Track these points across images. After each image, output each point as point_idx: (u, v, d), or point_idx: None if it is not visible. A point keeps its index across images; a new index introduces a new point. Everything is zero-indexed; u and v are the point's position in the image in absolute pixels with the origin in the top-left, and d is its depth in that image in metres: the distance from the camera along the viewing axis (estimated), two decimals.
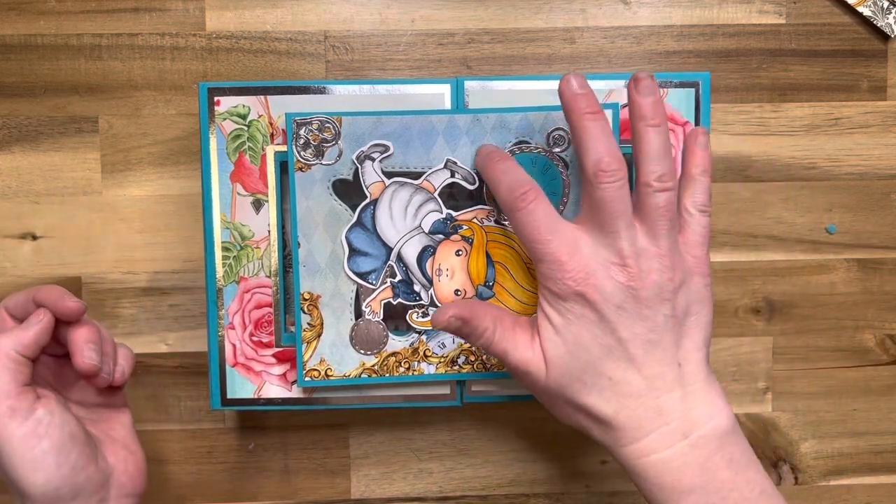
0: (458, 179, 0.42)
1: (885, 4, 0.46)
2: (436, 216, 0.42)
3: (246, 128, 0.42)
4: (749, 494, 0.35)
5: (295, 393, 0.43)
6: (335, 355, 0.42)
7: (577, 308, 0.35)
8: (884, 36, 0.47)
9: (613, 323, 0.35)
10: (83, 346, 0.38)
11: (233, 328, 0.43)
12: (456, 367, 0.42)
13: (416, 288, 0.42)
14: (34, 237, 0.46)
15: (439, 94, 0.42)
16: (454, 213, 0.42)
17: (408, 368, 0.42)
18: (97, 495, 0.38)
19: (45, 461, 0.36)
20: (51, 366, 0.41)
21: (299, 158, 0.41)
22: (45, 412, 0.37)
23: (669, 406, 0.35)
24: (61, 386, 0.41)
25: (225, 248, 0.42)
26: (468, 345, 0.42)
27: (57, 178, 0.46)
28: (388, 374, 0.42)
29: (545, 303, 0.37)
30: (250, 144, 0.42)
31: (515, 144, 0.41)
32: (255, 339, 0.43)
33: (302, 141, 0.41)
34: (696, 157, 0.38)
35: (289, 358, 0.43)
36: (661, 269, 0.35)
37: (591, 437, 0.37)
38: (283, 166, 0.42)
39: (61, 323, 0.39)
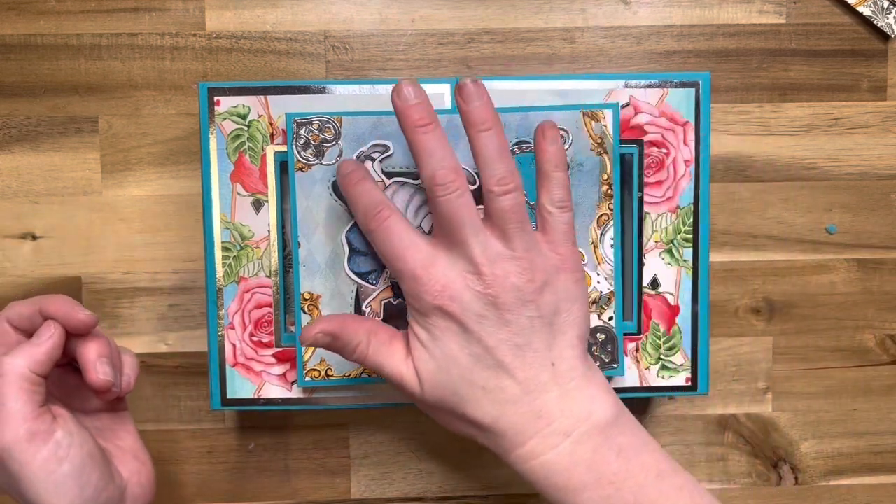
0: None
1: (885, 4, 0.46)
2: None
3: (246, 128, 0.42)
4: (644, 479, 0.34)
5: (295, 393, 0.43)
6: (335, 355, 0.42)
7: (440, 322, 0.35)
8: (884, 36, 0.47)
9: (477, 332, 0.35)
10: (96, 361, 0.37)
11: (233, 328, 0.43)
12: None
13: None
14: (34, 237, 0.46)
15: (439, 94, 0.42)
16: None
17: None
18: None
19: (66, 485, 0.35)
20: (53, 376, 0.39)
21: (299, 158, 0.41)
22: (65, 434, 0.36)
23: (548, 407, 0.35)
24: (64, 396, 0.40)
25: (225, 248, 0.42)
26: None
27: (57, 178, 0.46)
28: None
29: (412, 320, 0.37)
30: (250, 144, 0.42)
31: (515, 144, 0.41)
32: (255, 339, 0.43)
33: (302, 141, 0.41)
34: (546, 154, 0.37)
35: (289, 358, 0.43)
36: (518, 272, 0.35)
37: (479, 444, 0.37)
38: (283, 166, 0.42)
39: (70, 334, 0.37)
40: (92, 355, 0.37)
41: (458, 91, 0.36)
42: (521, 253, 0.35)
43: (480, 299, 0.35)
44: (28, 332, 0.38)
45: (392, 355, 0.37)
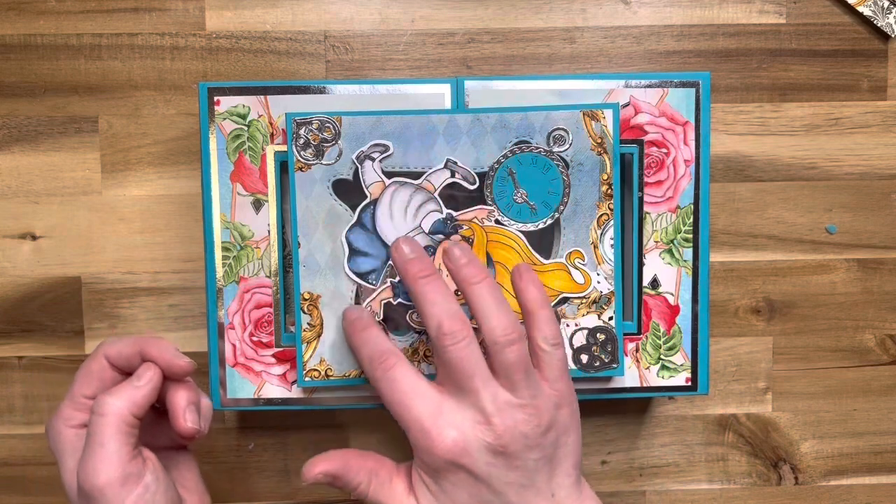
0: (458, 179, 0.42)
1: (885, 4, 0.46)
2: (436, 216, 0.42)
3: (246, 128, 0.42)
4: None
5: (295, 393, 0.43)
6: (335, 355, 0.42)
7: (451, 475, 0.36)
8: (884, 36, 0.47)
9: (486, 479, 0.36)
10: (186, 408, 0.37)
11: (233, 328, 0.43)
12: None
13: None
14: (34, 237, 0.46)
15: (439, 93, 0.42)
16: (454, 213, 0.42)
17: None
18: None
19: None
20: None
21: (299, 158, 0.41)
22: (153, 478, 0.36)
23: None
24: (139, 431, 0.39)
25: (225, 248, 0.42)
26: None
27: (57, 178, 0.46)
28: None
29: (420, 470, 0.37)
30: (250, 144, 0.42)
31: (515, 144, 0.41)
32: (255, 339, 0.43)
33: (302, 141, 0.41)
34: (528, 294, 0.38)
35: (289, 358, 0.43)
36: (526, 420, 0.36)
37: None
38: (283, 166, 0.42)
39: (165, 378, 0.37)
40: (182, 402, 0.37)
41: (444, 255, 0.38)
42: (527, 400, 0.36)
43: (490, 449, 0.36)
44: (123, 371, 0.38)
45: (393, 495, 0.38)
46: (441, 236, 0.42)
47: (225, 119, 0.42)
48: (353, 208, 0.42)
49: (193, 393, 0.38)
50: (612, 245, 0.42)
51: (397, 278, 0.42)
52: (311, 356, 0.42)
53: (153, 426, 0.40)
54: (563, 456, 0.37)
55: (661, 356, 0.44)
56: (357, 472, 0.38)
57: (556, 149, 0.41)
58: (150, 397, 0.36)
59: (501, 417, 0.36)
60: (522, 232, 0.42)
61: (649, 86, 0.43)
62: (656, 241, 0.43)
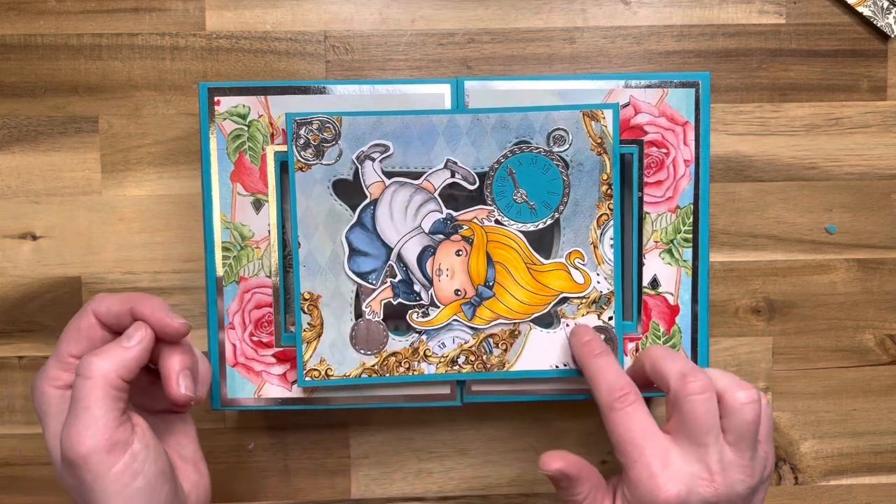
0: (458, 179, 0.42)
1: (885, 4, 0.46)
2: (436, 216, 0.42)
3: (246, 128, 0.42)
4: None
5: (295, 393, 0.43)
6: (335, 355, 0.42)
7: None
8: (884, 36, 0.47)
9: None
10: (179, 373, 0.35)
11: (233, 328, 0.43)
12: (456, 367, 0.42)
13: (417, 288, 0.42)
14: (34, 237, 0.46)
15: (439, 94, 0.42)
16: (454, 213, 0.42)
17: (408, 368, 0.42)
18: None
19: (137, 500, 0.33)
20: None
21: (299, 158, 0.41)
22: (142, 446, 0.34)
23: None
24: (131, 393, 0.36)
25: (225, 248, 0.42)
26: (468, 345, 0.42)
27: (57, 178, 0.46)
28: (388, 374, 0.42)
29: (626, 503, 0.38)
30: (250, 144, 0.42)
31: (515, 144, 0.41)
32: (255, 339, 0.43)
33: (302, 141, 0.41)
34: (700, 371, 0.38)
35: (289, 358, 0.43)
36: (742, 480, 0.36)
37: None
38: (283, 166, 0.42)
39: (158, 339, 0.35)
40: (176, 366, 0.35)
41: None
42: (747, 462, 0.37)
43: (704, 502, 0.36)
44: (113, 330, 0.35)
45: None
46: (441, 236, 0.42)
47: (225, 119, 0.42)
48: (354, 208, 0.42)
49: (189, 356, 0.35)
50: (611, 245, 0.42)
51: (398, 278, 0.42)
52: (311, 356, 0.42)
53: (149, 389, 0.38)
54: None
55: None
56: (586, 482, 0.39)
57: (556, 149, 0.41)
58: (141, 359, 0.34)
59: (724, 476, 0.36)
60: (522, 232, 0.42)
61: (649, 86, 0.43)
62: (656, 241, 0.43)
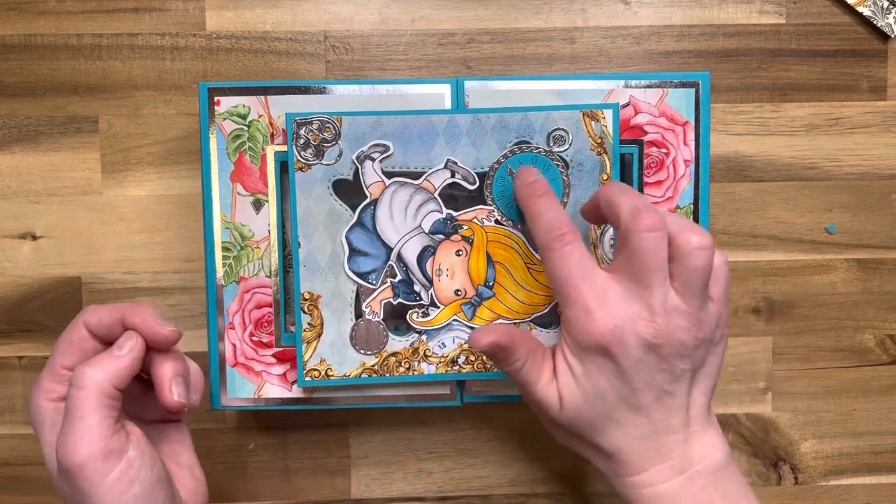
0: (458, 179, 0.42)
1: (885, 4, 0.46)
2: (436, 216, 0.42)
3: (246, 128, 0.42)
4: None
5: (295, 393, 0.43)
6: (335, 355, 0.42)
7: (598, 360, 0.36)
8: (884, 36, 0.47)
9: (631, 375, 0.35)
10: (172, 380, 0.35)
11: (233, 328, 0.43)
12: (456, 367, 0.42)
13: (417, 288, 0.42)
14: (34, 237, 0.46)
15: (439, 94, 0.42)
16: (454, 213, 0.42)
17: (408, 368, 0.42)
18: None
19: None
20: None
21: (299, 158, 0.41)
22: (137, 453, 0.34)
23: (671, 446, 0.36)
24: (125, 403, 0.36)
25: (225, 248, 0.42)
26: (468, 345, 0.42)
27: (57, 178, 0.46)
28: (388, 374, 0.42)
29: (566, 349, 0.37)
30: (250, 144, 0.42)
31: (515, 144, 0.41)
32: (255, 339, 0.43)
33: (302, 141, 0.41)
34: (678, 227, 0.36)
35: (289, 358, 0.43)
36: (688, 328, 0.35)
37: (590, 461, 0.38)
38: (284, 166, 0.42)
39: (149, 347, 0.36)
40: (168, 373, 0.35)
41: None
42: (694, 310, 0.35)
43: (645, 346, 0.35)
44: (105, 340, 0.36)
45: (540, 378, 0.37)
46: (441, 236, 0.42)
47: (225, 119, 0.42)
48: (354, 208, 0.42)
49: (180, 363, 0.36)
50: (612, 245, 0.42)
51: (398, 278, 0.42)
52: (311, 356, 0.42)
53: (142, 398, 0.38)
54: (706, 375, 0.37)
55: None
56: (521, 348, 0.37)
57: (556, 149, 0.41)
58: (132, 368, 0.34)
59: (665, 319, 0.35)
60: (522, 232, 0.42)
61: (649, 86, 0.43)
62: None
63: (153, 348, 0.36)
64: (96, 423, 0.33)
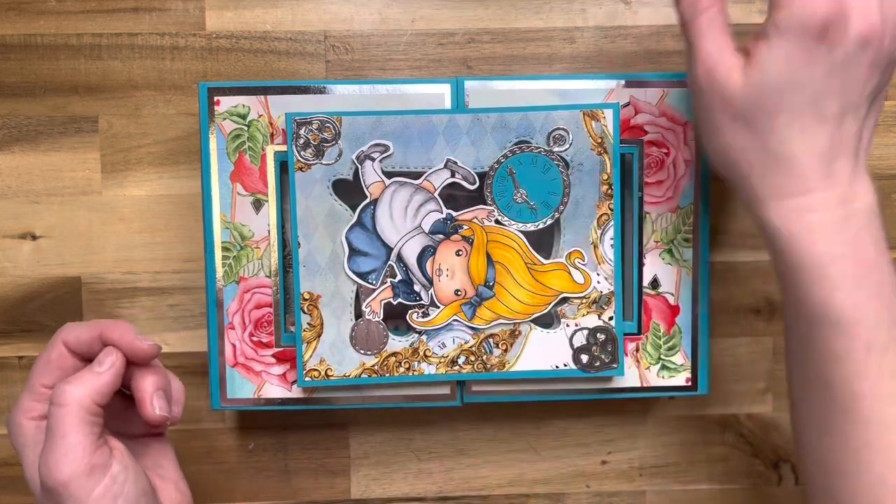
0: (458, 179, 0.42)
1: None
2: (436, 216, 0.42)
3: (246, 128, 0.42)
4: (889, 278, 0.34)
5: (295, 393, 0.43)
6: (335, 355, 0.42)
7: (810, 43, 0.33)
8: None
9: (836, 70, 0.33)
10: (153, 394, 0.35)
11: (233, 328, 0.43)
12: (456, 367, 0.42)
13: (417, 288, 0.42)
14: (34, 237, 0.46)
15: (439, 93, 0.42)
16: (454, 213, 0.42)
17: (408, 368, 0.42)
18: None
19: None
20: None
21: (299, 158, 0.41)
22: (121, 468, 0.34)
23: (841, 172, 0.34)
24: (107, 418, 0.36)
25: (225, 248, 0.42)
26: (468, 345, 0.42)
27: (57, 178, 0.46)
28: (388, 374, 0.42)
29: (772, 30, 0.33)
30: (250, 144, 0.42)
31: (515, 144, 0.41)
32: (255, 339, 0.43)
33: (302, 141, 0.41)
34: None
35: (289, 358, 0.43)
36: (894, 37, 0.33)
37: (736, 182, 0.36)
38: (283, 166, 0.42)
39: (128, 362, 0.36)
40: (149, 388, 0.35)
41: None
42: None
43: (859, 41, 0.33)
44: (84, 357, 0.36)
45: (723, 43, 0.34)
46: (441, 236, 0.42)
47: (225, 119, 0.42)
48: (353, 208, 0.42)
49: (161, 377, 0.36)
50: (612, 245, 0.42)
51: (398, 278, 0.42)
52: (311, 356, 0.42)
53: (124, 413, 0.38)
54: (877, 108, 0.35)
55: (662, 356, 0.44)
56: None
57: (556, 149, 0.41)
58: (113, 384, 0.34)
59: (882, 22, 0.33)
60: (522, 232, 0.42)
61: (649, 86, 0.43)
62: (656, 241, 0.43)
63: (133, 363, 0.36)
64: (79, 440, 0.33)
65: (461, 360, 0.43)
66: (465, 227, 0.42)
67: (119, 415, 0.38)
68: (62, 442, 0.33)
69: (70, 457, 0.33)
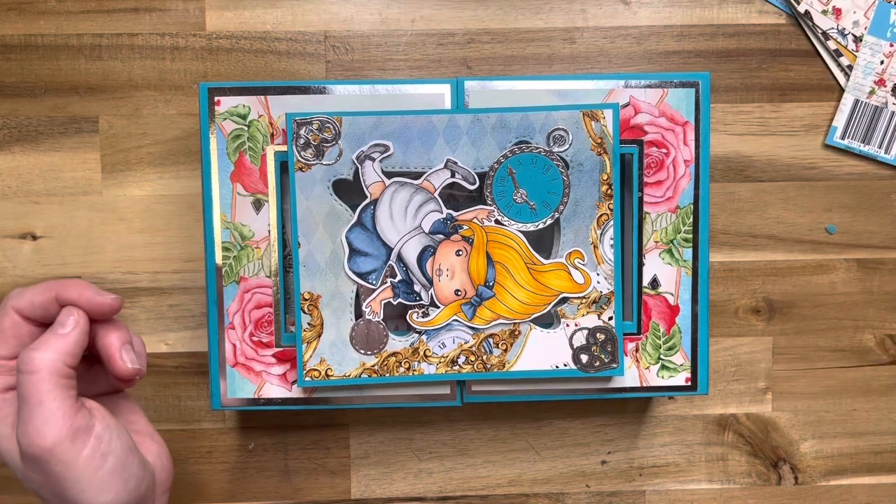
0: (458, 179, 0.42)
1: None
2: (436, 216, 0.42)
3: (246, 128, 0.42)
4: None
5: (295, 393, 0.43)
6: (335, 355, 0.42)
7: None
8: None
9: None
10: (121, 349, 0.34)
11: (233, 328, 0.43)
12: (456, 367, 0.42)
13: (417, 288, 0.42)
14: (34, 237, 0.46)
15: (439, 94, 0.42)
16: (454, 213, 0.42)
17: (408, 368, 0.42)
18: (150, 501, 0.35)
19: (111, 482, 0.33)
20: None
21: (299, 158, 0.41)
22: (104, 426, 0.33)
23: None
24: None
25: (225, 249, 0.42)
26: (468, 345, 0.42)
27: (57, 178, 0.46)
28: (388, 374, 0.42)
29: None
30: (250, 144, 0.42)
31: (515, 144, 0.41)
32: (255, 339, 0.43)
33: (302, 141, 0.41)
34: None
35: (289, 358, 0.43)
36: None
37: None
38: (284, 166, 0.42)
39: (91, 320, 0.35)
40: (116, 343, 0.34)
41: None
42: None
43: None
44: (41, 322, 0.35)
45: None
46: (441, 236, 0.42)
47: (225, 119, 0.42)
48: (354, 208, 0.42)
49: (125, 331, 0.35)
50: (611, 245, 0.42)
51: (398, 278, 0.42)
52: (311, 356, 0.42)
53: (85, 374, 0.37)
54: None
55: (661, 356, 0.44)
56: None
57: (556, 149, 0.41)
58: (81, 343, 0.33)
59: None
60: (522, 232, 0.42)
61: (649, 86, 0.43)
62: (656, 241, 0.43)
63: (95, 320, 0.35)
64: (58, 405, 0.32)
65: (461, 359, 0.43)
66: (465, 227, 0.42)
67: (81, 375, 0.37)
68: (40, 409, 0.32)
69: (51, 423, 0.32)
